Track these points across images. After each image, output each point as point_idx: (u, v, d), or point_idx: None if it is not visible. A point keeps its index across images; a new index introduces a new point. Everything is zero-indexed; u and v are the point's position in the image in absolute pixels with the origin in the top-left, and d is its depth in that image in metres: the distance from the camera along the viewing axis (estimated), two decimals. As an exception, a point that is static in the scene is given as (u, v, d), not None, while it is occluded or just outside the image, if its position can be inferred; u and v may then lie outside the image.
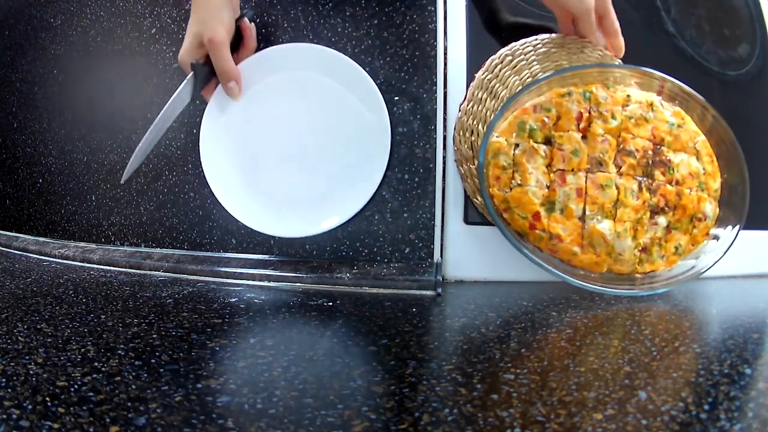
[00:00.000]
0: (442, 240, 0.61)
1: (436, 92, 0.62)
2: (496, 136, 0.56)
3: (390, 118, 0.61)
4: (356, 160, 0.62)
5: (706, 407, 0.31)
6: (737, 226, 0.57)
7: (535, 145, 0.55)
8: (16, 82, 0.88)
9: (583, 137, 0.56)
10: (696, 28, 0.67)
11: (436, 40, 0.62)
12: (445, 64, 0.63)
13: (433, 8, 0.63)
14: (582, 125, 0.56)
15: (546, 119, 0.56)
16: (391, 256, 0.62)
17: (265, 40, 0.68)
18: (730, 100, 0.66)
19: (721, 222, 0.58)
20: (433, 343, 0.44)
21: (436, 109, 0.61)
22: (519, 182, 0.55)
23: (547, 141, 0.56)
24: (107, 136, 0.75)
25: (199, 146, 0.67)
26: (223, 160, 0.65)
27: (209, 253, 0.68)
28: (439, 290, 0.56)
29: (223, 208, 0.67)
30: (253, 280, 0.61)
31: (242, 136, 0.65)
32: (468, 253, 0.59)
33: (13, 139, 0.88)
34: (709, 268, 0.55)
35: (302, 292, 0.57)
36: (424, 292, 0.56)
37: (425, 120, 0.61)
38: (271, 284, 0.60)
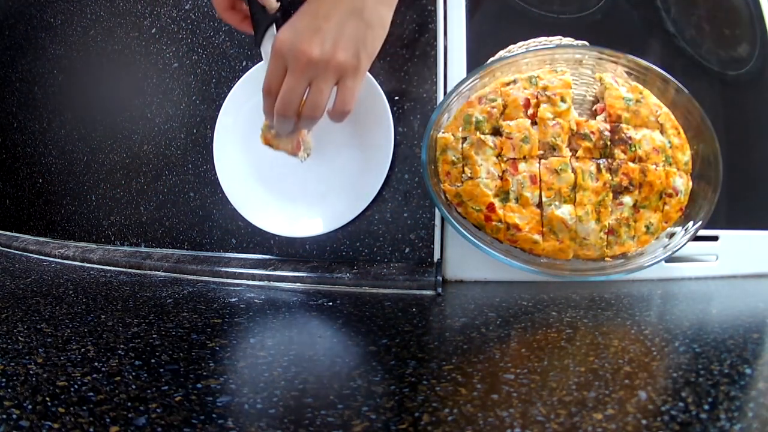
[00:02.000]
0: (442, 240, 0.61)
1: (436, 92, 0.62)
2: (443, 132, 0.56)
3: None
4: (360, 160, 0.62)
5: (706, 407, 0.31)
6: (713, 200, 0.55)
7: (483, 136, 0.55)
8: (16, 82, 0.88)
9: (534, 123, 0.55)
10: (696, 28, 0.67)
11: (436, 40, 0.62)
12: (445, 64, 0.63)
13: (433, 8, 0.63)
14: (531, 111, 0.56)
15: (492, 109, 0.55)
16: (391, 256, 0.62)
17: (265, 40, 0.68)
18: (730, 100, 0.66)
19: (696, 196, 0.57)
20: (433, 343, 0.44)
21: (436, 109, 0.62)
22: (470, 175, 0.55)
23: (496, 131, 0.56)
24: (107, 136, 0.75)
25: (200, 146, 0.67)
26: (234, 159, 0.66)
27: (209, 253, 0.68)
28: (439, 290, 0.56)
29: (224, 207, 0.67)
30: (253, 280, 0.61)
31: (252, 136, 0.65)
32: (468, 253, 0.59)
33: (13, 139, 0.88)
34: (683, 246, 0.55)
35: (302, 292, 0.57)
36: (424, 292, 0.56)
37: (425, 120, 0.61)
38: (271, 284, 0.60)
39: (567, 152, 0.55)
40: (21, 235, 0.84)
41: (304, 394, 0.33)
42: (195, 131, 0.70)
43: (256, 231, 0.65)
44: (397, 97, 0.62)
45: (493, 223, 0.55)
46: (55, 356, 0.37)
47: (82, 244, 0.77)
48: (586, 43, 0.60)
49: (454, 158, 0.56)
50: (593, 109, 0.58)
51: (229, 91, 0.66)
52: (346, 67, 0.44)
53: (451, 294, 0.57)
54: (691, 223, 0.56)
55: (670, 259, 0.56)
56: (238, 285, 0.60)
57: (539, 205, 0.55)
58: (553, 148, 0.55)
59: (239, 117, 0.66)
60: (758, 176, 0.65)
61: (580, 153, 0.55)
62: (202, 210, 0.69)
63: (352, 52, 0.44)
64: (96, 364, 0.36)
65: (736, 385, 0.34)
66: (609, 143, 0.55)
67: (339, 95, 0.47)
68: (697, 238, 0.56)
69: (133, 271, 0.67)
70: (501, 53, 0.61)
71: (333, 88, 0.46)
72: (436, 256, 0.60)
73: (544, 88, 0.55)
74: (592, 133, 0.55)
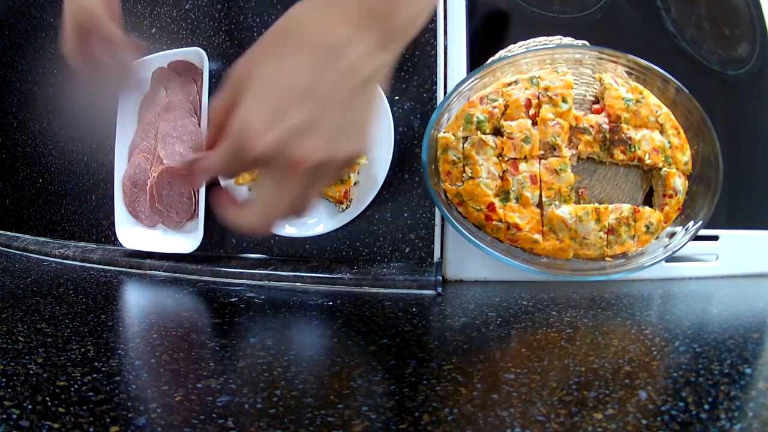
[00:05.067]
0: (442, 240, 0.61)
1: (436, 92, 0.62)
2: (444, 132, 0.56)
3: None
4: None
5: (706, 407, 0.31)
6: (713, 200, 0.55)
7: (484, 136, 0.55)
8: (16, 82, 0.88)
9: (534, 123, 0.55)
10: (696, 28, 0.67)
11: (436, 40, 0.62)
12: (445, 64, 0.63)
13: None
14: (532, 112, 0.56)
15: (493, 109, 0.55)
16: (391, 256, 0.62)
17: (265, 40, 0.68)
18: (730, 100, 0.66)
19: (696, 195, 0.57)
20: (433, 343, 0.44)
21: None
22: (470, 175, 0.55)
23: (497, 131, 0.56)
24: (107, 136, 0.75)
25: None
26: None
27: (209, 253, 0.68)
28: (439, 290, 0.56)
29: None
30: (253, 280, 0.61)
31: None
32: (468, 253, 0.59)
33: (13, 139, 0.88)
34: (683, 246, 0.55)
35: (302, 292, 0.57)
36: (424, 292, 0.56)
37: (425, 120, 0.61)
38: (271, 284, 0.60)
39: (567, 152, 0.55)
40: (21, 235, 0.84)
41: (304, 394, 0.33)
42: (195, 131, 0.69)
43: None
44: (397, 97, 0.62)
45: (494, 222, 0.55)
46: (55, 356, 0.37)
47: (82, 244, 0.77)
48: (586, 43, 0.60)
49: (454, 158, 0.56)
50: (591, 109, 0.58)
51: (229, 91, 0.66)
52: (349, 161, 0.33)
53: (451, 294, 0.57)
54: (691, 222, 0.56)
55: (670, 259, 0.56)
56: (238, 285, 0.60)
57: (539, 204, 0.55)
58: (554, 148, 0.55)
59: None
60: (758, 176, 0.65)
61: (580, 147, 0.56)
62: (203, 210, 0.68)
63: (358, 135, 0.33)
64: (96, 364, 0.36)
65: (736, 385, 0.34)
66: (608, 140, 0.55)
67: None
68: (697, 238, 0.56)
69: (133, 271, 0.67)
70: (501, 53, 0.61)
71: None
72: (436, 256, 0.60)
73: (546, 89, 0.55)
74: (591, 126, 0.55)
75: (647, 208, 0.56)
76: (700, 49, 0.66)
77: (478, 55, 0.62)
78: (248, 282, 0.61)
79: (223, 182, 0.64)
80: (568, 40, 0.61)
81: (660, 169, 0.56)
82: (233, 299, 0.54)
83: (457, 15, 0.63)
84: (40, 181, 0.83)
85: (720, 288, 0.60)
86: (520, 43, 0.61)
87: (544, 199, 0.55)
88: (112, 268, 0.69)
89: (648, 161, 0.56)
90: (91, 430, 0.28)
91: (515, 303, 0.53)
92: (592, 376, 0.35)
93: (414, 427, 0.29)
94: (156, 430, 0.28)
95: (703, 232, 0.57)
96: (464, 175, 0.55)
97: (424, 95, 0.62)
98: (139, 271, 0.67)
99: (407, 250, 0.61)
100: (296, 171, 0.30)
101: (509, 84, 0.56)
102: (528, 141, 0.55)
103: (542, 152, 0.55)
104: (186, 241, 0.66)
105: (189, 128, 0.67)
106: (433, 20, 0.63)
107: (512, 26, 0.64)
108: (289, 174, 0.31)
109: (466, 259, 0.60)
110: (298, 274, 0.60)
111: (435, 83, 0.62)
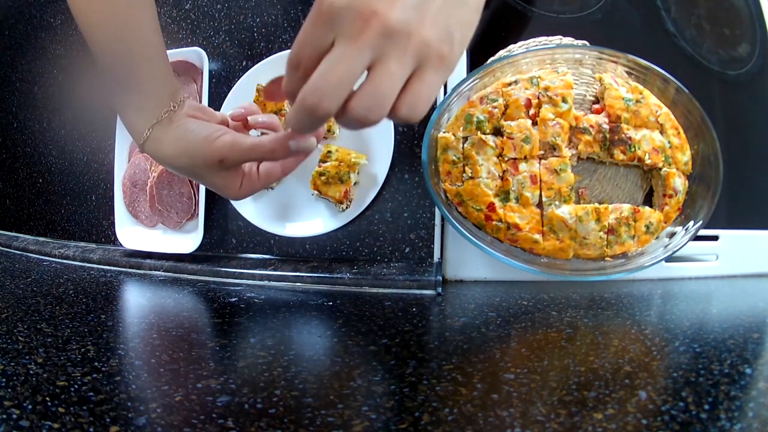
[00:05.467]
0: (442, 240, 0.61)
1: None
2: (444, 132, 0.56)
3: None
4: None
5: (706, 407, 0.31)
6: (713, 200, 0.55)
7: (484, 136, 0.55)
8: (16, 82, 0.88)
9: (534, 123, 0.55)
10: (696, 28, 0.67)
11: (436, 40, 0.62)
12: (445, 64, 0.62)
13: (433, 8, 0.63)
14: (532, 111, 0.56)
15: (493, 109, 0.55)
16: (391, 255, 0.62)
17: (265, 40, 0.68)
18: (730, 100, 0.66)
19: (696, 195, 0.57)
20: (433, 343, 0.44)
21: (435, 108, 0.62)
22: (470, 175, 0.55)
23: (497, 131, 0.56)
24: (107, 136, 0.75)
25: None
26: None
27: (209, 253, 0.68)
28: (439, 290, 0.56)
29: (224, 207, 0.67)
30: (253, 280, 0.61)
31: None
32: (468, 253, 0.59)
33: (13, 139, 0.88)
34: (683, 246, 0.55)
35: (302, 292, 0.57)
36: (424, 292, 0.56)
37: (425, 120, 0.61)
38: (271, 284, 0.60)
39: (567, 152, 0.55)
40: (21, 235, 0.84)
41: (304, 394, 0.33)
42: (195, 131, 0.69)
43: (256, 231, 0.65)
44: (397, 97, 0.62)
45: (494, 222, 0.55)
46: (55, 356, 0.37)
47: (82, 244, 0.77)
48: (586, 43, 0.60)
49: (454, 158, 0.56)
50: (591, 109, 0.58)
51: (229, 91, 0.66)
52: (432, 51, 0.29)
53: (451, 294, 0.57)
54: (691, 222, 0.56)
55: (670, 259, 0.56)
56: (238, 285, 0.60)
57: (539, 204, 0.55)
58: (554, 148, 0.55)
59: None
60: (758, 176, 0.65)
61: (580, 147, 0.56)
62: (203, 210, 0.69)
63: (444, 31, 0.30)
64: (96, 364, 0.36)
65: (736, 385, 0.34)
66: (608, 140, 0.55)
67: (408, 92, 0.30)
68: (697, 238, 0.56)
69: (133, 271, 0.67)
70: (501, 53, 0.61)
71: (403, 78, 0.29)
72: (436, 256, 0.60)
73: (546, 89, 0.55)
74: (591, 126, 0.55)
75: (647, 208, 0.56)
76: (700, 49, 0.66)
77: (478, 55, 0.62)
78: (248, 282, 0.61)
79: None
80: (568, 40, 0.61)
81: (660, 169, 0.56)
82: (233, 299, 0.54)
83: (457, 15, 0.63)
84: (40, 181, 0.83)
85: (720, 288, 0.60)
86: (520, 43, 0.61)
87: (544, 199, 0.55)
88: (112, 268, 0.69)
89: (648, 161, 0.56)
90: (91, 430, 0.28)
91: (515, 303, 0.53)
92: (592, 376, 0.35)
93: (414, 427, 0.29)
94: (156, 430, 0.28)
95: (703, 232, 0.57)
96: (464, 175, 0.56)
97: (424, 95, 0.62)
98: (139, 271, 0.67)
99: (407, 250, 0.61)
100: (365, 28, 0.27)
101: (509, 84, 0.56)
102: (528, 141, 0.55)
103: (542, 152, 0.55)
104: (186, 241, 0.66)
105: (189, 128, 0.67)
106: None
107: (512, 26, 0.64)
108: (356, 32, 0.27)
109: (466, 259, 0.60)
110: (298, 274, 0.60)
111: (435, 83, 0.62)
